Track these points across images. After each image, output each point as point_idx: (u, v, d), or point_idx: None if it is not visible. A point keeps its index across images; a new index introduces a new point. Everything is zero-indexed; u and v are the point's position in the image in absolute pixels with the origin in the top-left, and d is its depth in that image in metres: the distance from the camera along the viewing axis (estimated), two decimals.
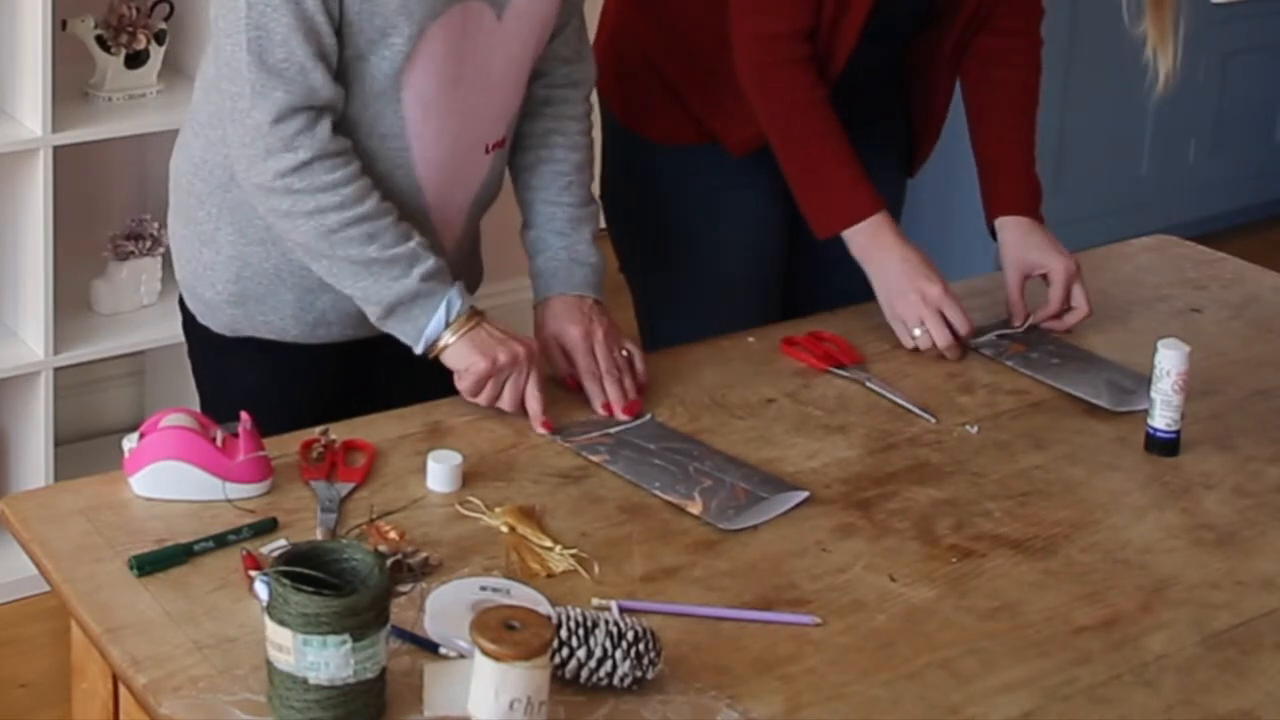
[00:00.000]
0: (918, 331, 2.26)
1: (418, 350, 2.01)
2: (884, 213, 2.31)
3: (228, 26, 1.96)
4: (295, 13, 1.92)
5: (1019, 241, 2.39)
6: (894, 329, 2.28)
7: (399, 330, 2.01)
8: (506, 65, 2.08)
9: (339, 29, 1.96)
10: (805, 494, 1.91)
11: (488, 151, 2.12)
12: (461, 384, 2.00)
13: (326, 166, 1.96)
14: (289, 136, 1.95)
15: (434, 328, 2.00)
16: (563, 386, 2.09)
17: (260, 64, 1.94)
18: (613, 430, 2.02)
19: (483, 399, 2.00)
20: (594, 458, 1.96)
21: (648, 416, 2.06)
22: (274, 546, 1.73)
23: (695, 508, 1.86)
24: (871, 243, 2.29)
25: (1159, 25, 2.26)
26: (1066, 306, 2.36)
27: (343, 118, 2.01)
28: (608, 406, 2.06)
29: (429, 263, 2.00)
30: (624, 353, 2.11)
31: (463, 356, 2.00)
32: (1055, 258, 2.36)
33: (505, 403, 2.01)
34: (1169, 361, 2.04)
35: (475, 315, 2.02)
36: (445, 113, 2.04)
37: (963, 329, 2.25)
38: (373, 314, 2.01)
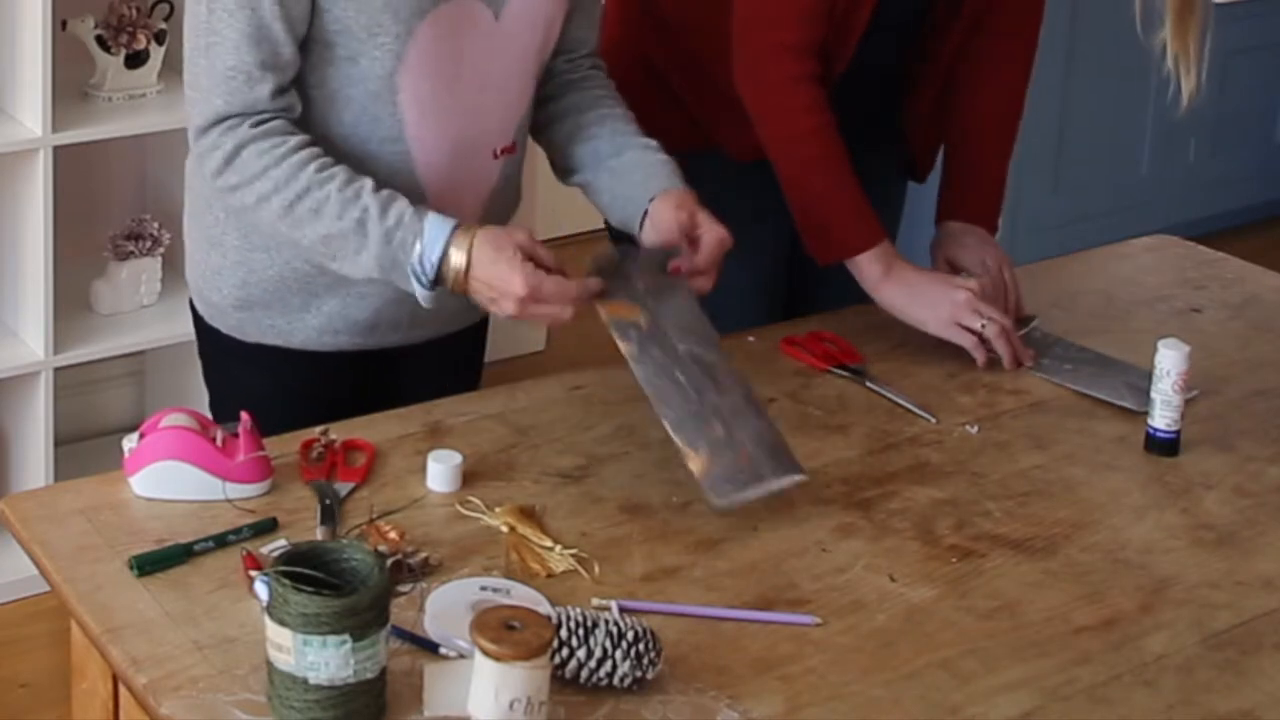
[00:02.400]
0: (981, 324, 2.23)
1: (426, 306, 1.95)
2: (888, 240, 2.30)
3: (190, 32, 1.96)
4: (250, 20, 1.91)
5: (954, 241, 2.44)
6: (954, 339, 2.23)
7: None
8: (508, 67, 2.07)
9: (329, 30, 1.95)
10: (803, 476, 1.89)
11: (496, 156, 2.10)
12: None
13: (254, 152, 1.93)
14: (214, 138, 1.95)
15: (423, 295, 1.93)
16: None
17: (211, 70, 1.93)
18: (650, 303, 1.95)
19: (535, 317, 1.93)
20: (622, 343, 1.91)
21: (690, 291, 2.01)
22: (274, 546, 1.73)
23: (696, 464, 1.85)
24: (887, 271, 2.27)
25: (1181, 38, 2.19)
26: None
27: (341, 123, 2.00)
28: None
29: (379, 229, 1.91)
30: None
31: (481, 299, 1.92)
32: (974, 256, 2.39)
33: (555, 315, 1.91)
34: (1169, 361, 2.05)
35: (455, 268, 1.90)
36: (443, 114, 2.03)
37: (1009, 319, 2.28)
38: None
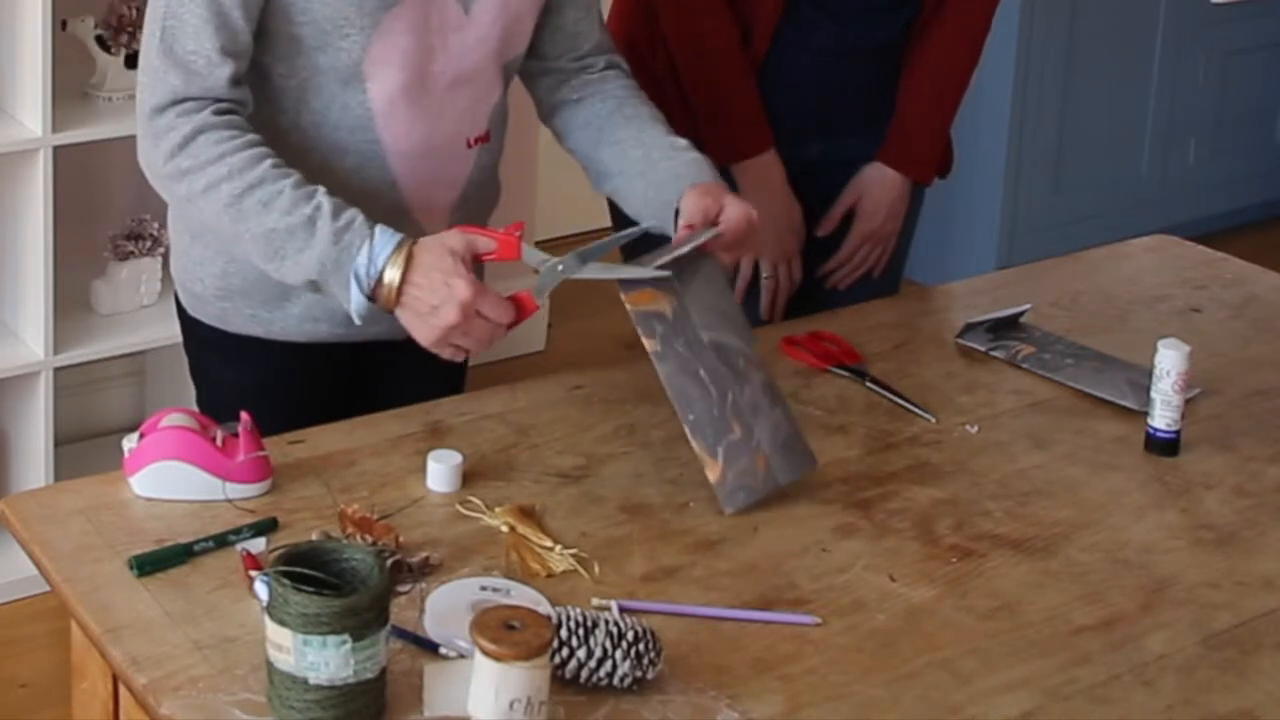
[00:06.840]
0: (766, 275, 2.48)
1: (358, 322, 1.91)
2: (774, 151, 2.45)
3: (149, 17, 1.96)
4: (210, 5, 1.91)
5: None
6: (752, 257, 2.45)
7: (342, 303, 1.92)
8: (479, 59, 2.06)
9: (296, 22, 1.95)
10: (813, 466, 1.93)
11: (470, 146, 2.10)
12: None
13: (211, 140, 1.91)
14: (171, 119, 1.92)
15: (357, 303, 1.89)
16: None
17: (168, 53, 1.93)
18: (676, 284, 1.91)
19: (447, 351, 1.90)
20: (646, 339, 1.88)
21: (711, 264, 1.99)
22: (273, 546, 1.73)
23: (713, 472, 1.85)
24: (758, 179, 2.43)
25: None
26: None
27: (312, 111, 2.01)
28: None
29: (329, 227, 1.88)
30: None
31: (408, 325, 1.89)
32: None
33: (472, 345, 1.88)
34: (1169, 361, 2.05)
35: (389, 283, 1.86)
36: (413, 106, 2.02)
37: (770, 302, 2.51)
38: (309, 290, 1.94)
